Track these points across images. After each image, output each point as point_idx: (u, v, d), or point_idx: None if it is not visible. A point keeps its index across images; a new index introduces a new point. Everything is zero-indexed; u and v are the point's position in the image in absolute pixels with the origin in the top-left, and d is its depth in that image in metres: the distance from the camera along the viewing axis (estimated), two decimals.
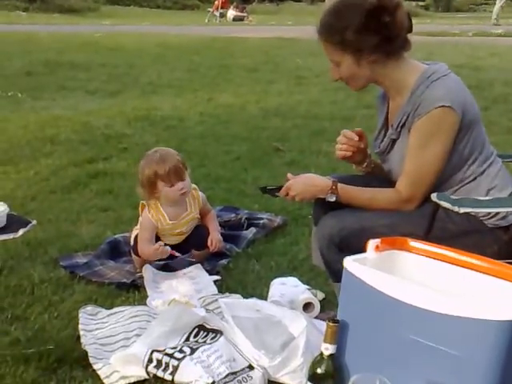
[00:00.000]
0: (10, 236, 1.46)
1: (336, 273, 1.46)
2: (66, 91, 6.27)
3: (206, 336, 1.65)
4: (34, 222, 1.51)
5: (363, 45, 1.62)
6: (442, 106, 1.57)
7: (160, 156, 2.22)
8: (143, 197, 2.31)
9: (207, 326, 1.68)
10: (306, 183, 1.77)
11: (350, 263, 1.40)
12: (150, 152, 2.30)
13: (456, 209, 1.47)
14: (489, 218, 1.63)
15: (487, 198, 1.61)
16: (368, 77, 1.69)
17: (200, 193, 2.40)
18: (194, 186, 2.36)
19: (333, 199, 1.72)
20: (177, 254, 2.27)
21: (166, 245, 2.30)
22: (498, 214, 1.62)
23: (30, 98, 5.81)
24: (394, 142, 1.73)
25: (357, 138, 1.82)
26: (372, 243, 1.45)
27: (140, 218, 2.35)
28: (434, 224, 1.57)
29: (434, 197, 1.52)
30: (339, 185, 1.72)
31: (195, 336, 1.65)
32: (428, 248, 1.46)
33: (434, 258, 1.45)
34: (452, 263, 1.43)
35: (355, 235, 1.52)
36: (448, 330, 1.24)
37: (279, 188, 1.81)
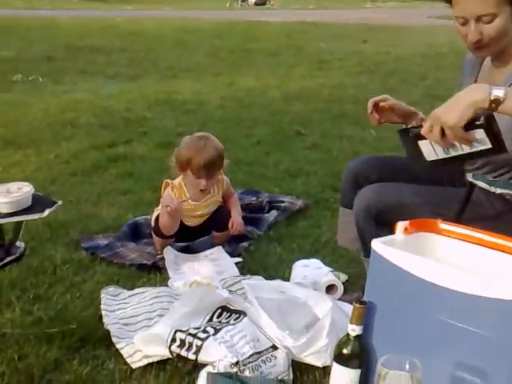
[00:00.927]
0: (36, 216, 1.47)
1: (369, 246, 1.43)
2: (86, 75, 6.31)
3: (229, 317, 1.65)
4: (60, 202, 1.52)
5: None
6: None
7: (203, 146, 2.23)
8: (173, 169, 2.32)
9: (230, 307, 1.68)
10: (448, 105, 1.35)
11: (377, 245, 1.38)
12: (198, 135, 2.30)
13: (492, 189, 1.43)
14: None
15: None
16: (510, 37, 1.49)
17: (224, 176, 2.40)
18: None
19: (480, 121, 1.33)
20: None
21: (186, 226, 2.31)
22: None
23: (50, 83, 5.86)
24: None
25: (371, 105, 1.69)
26: (401, 225, 1.43)
27: (161, 199, 2.35)
28: (467, 205, 1.54)
29: (469, 177, 1.48)
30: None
31: (218, 316, 1.65)
32: (459, 230, 1.43)
33: (465, 241, 1.43)
34: (483, 245, 1.40)
35: (392, 210, 1.49)
36: (478, 311, 1.23)
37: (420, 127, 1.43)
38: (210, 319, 1.67)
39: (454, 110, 1.31)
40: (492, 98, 1.29)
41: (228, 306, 1.70)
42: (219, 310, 1.69)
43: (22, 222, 1.50)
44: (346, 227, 1.86)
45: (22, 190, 1.49)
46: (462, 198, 1.57)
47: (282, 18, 13.30)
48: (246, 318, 1.63)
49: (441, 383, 1.27)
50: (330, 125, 4.31)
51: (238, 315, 1.66)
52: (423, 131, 1.37)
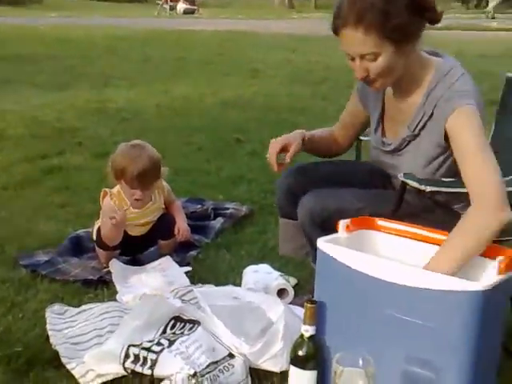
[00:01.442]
0: None
1: None
2: (12, 85, 6.05)
3: (183, 327, 1.62)
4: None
5: (412, 29, 1.45)
6: (470, 105, 1.48)
7: (137, 155, 2.17)
8: (110, 178, 2.26)
9: (183, 317, 1.65)
10: None
11: (322, 244, 1.43)
12: (133, 143, 2.24)
13: (423, 187, 1.51)
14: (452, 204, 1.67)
15: (451, 179, 1.63)
16: (401, 70, 1.51)
17: (164, 183, 2.36)
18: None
19: None
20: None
21: (130, 236, 2.26)
22: (460, 202, 1.63)
23: None
24: (408, 142, 1.66)
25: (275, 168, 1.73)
26: (342, 223, 1.50)
27: (101, 210, 2.29)
28: (401, 203, 1.60)
29: (400, 176, 1.55)
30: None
31: (172, 328, 1.62)
32: (395, 226, 1.52)
33: (401, 236, 1.51)
34: (419, 240, 1.49)
35: (336, 216, 1.53)
36: (422, 304, 1.27)
37: None
38: (164, 331, 1.63)
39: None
40: None
41: (181, 316, 1.67)
42: (172, 321, 1.66)
43: None
44: (287, 237, 1.89)
45: None
46: (393, 196, 1.63)
47: (212, 26, 13.32)
48: (200, 328, 1.61)
49: (394, 378, 1.30)
50: (267, 132, 4.30)
51: (191, 325, 1.63)
52: None
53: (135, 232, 2.30)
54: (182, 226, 2.31)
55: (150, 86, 6.20)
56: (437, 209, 1.67)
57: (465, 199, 1.45)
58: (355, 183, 1.77)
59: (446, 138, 1.54)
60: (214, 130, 4.37)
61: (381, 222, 1.54)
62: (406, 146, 1.69)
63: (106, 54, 8.32)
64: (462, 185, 1.46)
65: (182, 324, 1.64)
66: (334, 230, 1.49)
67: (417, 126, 1.62)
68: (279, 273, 2.08)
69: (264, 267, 2.12)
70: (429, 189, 1.51)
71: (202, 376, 1.43)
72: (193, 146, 3.96)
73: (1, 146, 3.89)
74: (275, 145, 1.73)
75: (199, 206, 2.78)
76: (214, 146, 3.97)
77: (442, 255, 1.36)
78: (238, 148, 3.95)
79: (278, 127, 4.45)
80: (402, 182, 1.55)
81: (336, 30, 1.51)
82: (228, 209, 2.74)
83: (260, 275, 2.05)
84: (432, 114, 1.58)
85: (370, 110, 1.80)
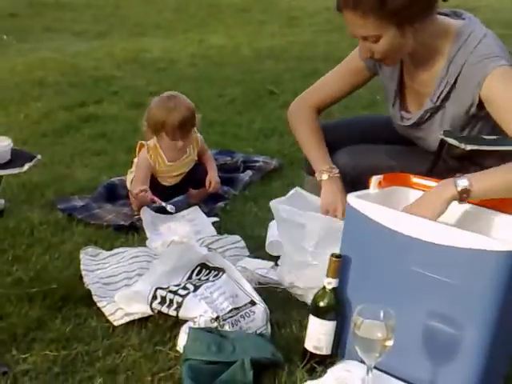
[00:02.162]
0: (16, 171, 1.43)
1: None
2: (51, 33, 6.10)
3: (208, 274, 1.68)
4: (39, 156, 1.48)
5: (414, 11, 1.40)
6: (503, 65, 1.43)
7: (174, 106, 2.20)
8: (145, 133, 2.29)
9: (209, 264, 1.71)
10: (419, 204, 1.38)
11: (352, 199, 1.41)
12: (166, 95, 2.27)
13: (462, 146, 1.45)
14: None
15: (493, 136, 1.59)
16: (409, 48, 1.48)
17: (198, 134, 2.39)
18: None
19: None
20: (157, 200, 2.22)
21: (162, 185, 2.31)
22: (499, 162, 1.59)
23: (15, 41, 5.64)
24: (431, 114, 1.61)
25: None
26: (375, 179, 1.47)
27: (135, 159, 2.34)
28: (438, 161, 1.58)
29: (440, 134, 1.51)
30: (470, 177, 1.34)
31: (198, 274, 1.69)
32: (430, 183, 1.47)
33: None
34: None
35: (367, 173, 1.51)
36: (449, 261, 1.27)
37: None
38: (190, 277, 1.70)
39: (427, 208, 1.33)
40: (460, 190, 1.32)
41: (207, 263, 1.73)
42: (198, 268, 1.72)
43: (1, 177, 1.46)
44: (314, 192, 1.86)
45: (1, 144, 1.45)
46: (430, 154, 1.61)
47: None
48: (224, 275, 1.66)
49: (414, 332, 1.33)
50: (301, 83, 4.22)
51: (216, 272, 1.69)
52: None
53: (168, 182, 2.36)
54: (213, 178, 2.35)
55: (185, 34, 6.16)
56: (473, 168, 1.63)
57: (503, 158, 1.40)
58: (390, 140, 1.73)
59: (478, 105, 1.49)
60: (247, 82, 4.34)
61: (415, 178, 1.50)
62: (428, 118, 1.62)
63: (142, 3, 8.25)
64: (504, 142, 1.42)
65: (208, 271, 1.70)
66: (365, 188, 1.48)
67: (439, 97, 1.56)
68: None
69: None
70: (469, 147, 1.45)
71: (224, 320, 1.50)
72: (225, 97, 3.95)
73: (41, 93, 3.97)
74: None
75: (229, 158, 2.81)
76: (246, 97, 3.95)
77: (483, 175, 1.36)
78: (270, 100, 3.92)
79: (313, 78, 4.35)
80: (441, 140, 1.51)
81: (339, 9, 1.48)
82: (257, 162, 2.77)
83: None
84: (455, 82, 1.52)
85: (383, 80, 1.70)
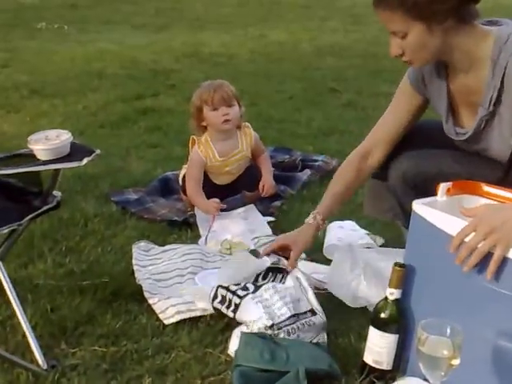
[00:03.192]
0: (75, 164, 1.43)
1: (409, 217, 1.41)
2: (111, 25, 6.26)
3: (274, 276, 1.63)
4: (98, 151, 1.49)
5: (439, 7, 1.41)
6: None
7: (210, 83, 2.25)
8: (193, 128, 2.30)
9: (276, 266, 1.66)
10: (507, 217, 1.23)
11: (419, 206, 1.36)
12: (206, 83, 2.30)
13: None
14: None
15: None
16: (438, 48, 1.47)
17: (253, 131, 2.36)
18: (246, 123, 2.31)
19: None
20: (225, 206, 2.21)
21: (215, 185, 2.29)
22: None
23: (75, 31, 5.82)
24: (486, 121, 1.54)
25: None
26: (443, 186, 1.41)
27: (190, 156, 2.34)
28: (511, 169, 1.49)
29: None
30: None
31: (264, 278, 1.63)
32: (503, 193, 1.39)
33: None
34: None
35: (432, 180, 1.45)
36: None
37: None
38: (256, 279, 1.64)
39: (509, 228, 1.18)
40: None
41: (273, 265, 1.67)
42: (264, 271, 1.66)
43: (59, 170, 1.47)
44: (375, 198, 1.84)
45: (61, 138, 1.46)
46: (505, 163, 1.53)
47: None
48: (289, 277, 1.61)
49: (481, 350, 1.25)
50: (365, 81, 4.21)
51: (282, 275, 1.64)
52: (458, 236, 1.24)
53: (220, 181, 2.34)
54: (267, 182, 2.31)
55: (244, 30, 6.17)
56: None
57: None
58: (455, 145, 1.65)
59: None
60: (307, 79, 4.29)
61: (487, 187, 1.42)
62: (484, 127, 1.55)
63: None
64: None
65: (274, 275, 1.64)
66: (429, 194, 1.41)
67: (490, 101, 1.50)
68: (365, 231, 2.05)
69: (349, 224, 2.10)
70: None
71: (279, 329, 1.44)
72: (284, 94, 3.92)
73: (99, 84, 4.06)
74: (274, 245, 1.73)
75: (287, 156, 2.77)
76: (306, 95, 3.91)
77: None
78: (332, 98, 3.86)
79: (378, 76, 4.31)
80: None
81: (373, 4, 1.49)
82: (317, 161, 2.72)
83: (345, 232, 2.03)
84: (502, 84, 1.45)
85: (432, 101, 1.65)
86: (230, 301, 1.52)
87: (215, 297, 1.54)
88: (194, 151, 2.28)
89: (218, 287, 1.56)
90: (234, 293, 1.53)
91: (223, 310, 1.52)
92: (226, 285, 1.56)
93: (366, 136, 1.78)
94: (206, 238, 2.04)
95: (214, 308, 1.55)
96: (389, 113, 1.75)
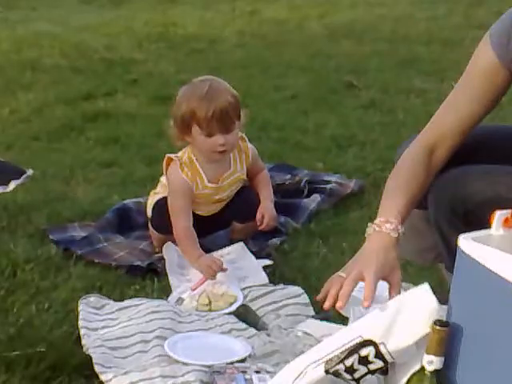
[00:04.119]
0: None
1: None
2: None
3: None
4: (31, 171, 1.50)
5: None
6: None
7: (208, 91, 2.21)
8: (173, 137, 2.32)
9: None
10: None
11: (466, 242, 1.36)
12: (198, 80, 2.30)
13: None
14: None
15: None
16: None
17: (250, 145, 2.40)
18: (241, 134, 2.35)
19: None
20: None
21: (197, 216, 2.32)
22: None
23: (0, 7, 5.87)
24: None
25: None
26: (499, 216, 1.41)
27: (162, 178, 2.36)
28: None
29: None
30: None
31: None
32: None
33: None
34: None
35: (486, 206, 1.47)
36: None
37: None
38: None
39: None
40: None
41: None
42: None
43: None
44: (410, 233, 1.79)
45: None
46: None
47: None
48: None
49: None
50: (393, 74, 4.27)
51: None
52: None
53: (206, 211, 2.36)
54: (268, 210, 2.32)
55: (231, 4, 6.26)
56: None
57: None
58: None
59: None
60: (316, 70, 4.36)
61: None
62: None
63: None
64: None
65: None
66: (482, 226, 1.42)
67: None
68: None
69: None
70: None
71: None
72: (285, 91, 3.98)
73: (33, 80, 4.11)
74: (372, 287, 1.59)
75: (289, 176, 2.80)
76: (314, 92, 3.96)
77: None
78: (348, 96, 3.92)
79: (410, 67, 4.37)
80: None
81: None
82: (329, 182, 2.75)
83: None
84: None
85: None
86: None
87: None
88: (175, 176, 2.28)
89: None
90: None
91: None
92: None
93: (428, 125, 1.73)
94: (180, 298, 2.06)
95: None
96: (460, 94, 1.70)
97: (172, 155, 2.30)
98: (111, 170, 2.96)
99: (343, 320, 1.90)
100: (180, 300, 2.05)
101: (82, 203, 2.64)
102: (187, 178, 2.27)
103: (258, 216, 2.31)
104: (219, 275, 2.13)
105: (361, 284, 2.01)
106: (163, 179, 2.36)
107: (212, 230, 2.40)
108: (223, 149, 2.23)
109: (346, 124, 3.48)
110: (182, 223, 2.23)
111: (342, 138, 3.29)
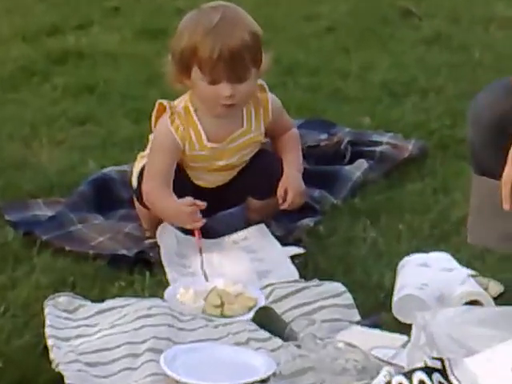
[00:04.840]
0: None
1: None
2: None
3: None
4: None
5: None
6: None
7: (218, 23, 2.21)
8: (170, 76, 2.32)
9: None
10: None
11: None
12: (208, 7, 2.30)
13: None
14: None
15: None
16: None
17: (271, 96, 2.40)
18: (260, 81, 2.35)
19: None
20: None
21: (199, 188, 2.33)
22: None
23: None
24: None
25: None
26: None
27: (151, 135, 2.37)
28: None
29: None
30: None
31: None
32: None
33: None
34: None
35: None
36: None
37: None
38: None
39: None
40: None
41: None
42: None
43: None
44: (488, 213, 1.89)
45: None
46: None
47: None
48: None
49: None
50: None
51: None
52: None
53: (206, 182, 2.37)
54: (293, 183, 2.33)
55: None
56: None
57: None
58: None
59: None
60: None
61: None
62: None
63: None
64: None
65: None
66: None
67: None
68: (468, 270, 2.07)
69: (440, 258, 2.13)
70: None
71: None
72: (319, 22, 3.97)
73: None
74: None
75: (325, 135, 2.80)
76: (358, 22, 3.96)
77: None
78: (405, 28, 3.92)
79: None
80: None
81: None
82: (379, 144, 2.76)
83: (432, 273, 2.06)
84: None
85: None
86: None
87: None
88: (163, 128, 2.30)
89: None
90: None
91: None
92: None
93: None
94: (179, 287, 2.06)
95: None
96: None
97: (165, 101, 2.31)
98: (85, 127, 2.97)
99: (399, 327, 1.92)
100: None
101: (48, 172, 2.65)
102: (176, 133, 2.28)
103: (280, 191, 2.31)
104: (236, 270, 2.15)
105: (423, 281, 2.02)
106: (151, 136, 2.37)
107: (220, 208, 2.41)
108: (230, 102, 2.24)
109: (401, 65, 3.48)
110: (153, 184, 2.25)
111: (396, 84, 3.29)
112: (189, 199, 2.22)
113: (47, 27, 3.86)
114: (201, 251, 2.19)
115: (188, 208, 2.21)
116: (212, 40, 2.18)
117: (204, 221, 2.23)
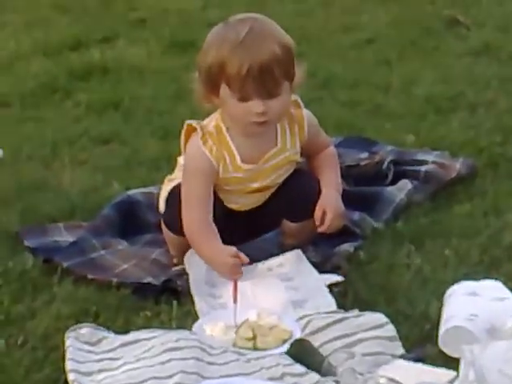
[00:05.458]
0: None
1: None
2: None
3: None
4: (0, 151, 1.52)
5: None
6: None
7: (245, 37, 2.22)
8: (198, 95, 2.33)
9: None
10: None
11: None
12: (235, 20, 2.30)
13: None
14: None
15: None
16: None
17: (306, 111, 2.40)
18: (294, 97, 2.35)
19: None
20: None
21: (230, 211, 2.34)
22: None
23: None
24: None
25: None
26: None
27: (181, 159, 2.37)
28: None
29: None
30: None
31: None
32: None
33: None
34: None
35: None
36: None
37: None
38: None
39: None
40: None
41: None
42: None
43: None
44: None
45: None
46: None
47: None
48: None
49: None
50: None
51: None
52: None
53: (242, 205, 2.38)
54: (331, 205, 2.32)
55: None
56: None
57: None
58: None
59: None
60: (402, 1, 4.36)
61: None
62: None
63: None
64: None
65: None
66: None
67: None
68: None
69: (490, 286, 2.11)
70: None
71: None
72: (357, 32, 3.99)
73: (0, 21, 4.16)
74: None
75: (365, 154, 2.80)
76: (400, 33, 3.96)
77: None
78: (449, 38, 3.92)
79: None
80: None
81: None
82: (424, 163, 2.75)
83: (482, 302, 2.04)
84: None
85: None
86: None
87: None
88: (194, 150, 2.31)
89: None
90: None
91: None
92: None
93: None
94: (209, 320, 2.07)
95: None
96: None
97: (194, 122, 2.31)
98: (109, 146, 2.99)
99: (446, 361, 1.90)
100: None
101: (69, 194, 2.66)
102: (210, 154, 2.28)
103: (317, 212, 2.30)
104: (270, 301, 2.14)
105: (472, 311, 2.01)
106: (180, 159, 2.37)
107: (254, 232, 2.41)
108: (263, 119, 2.24)
109: (447, 78, 3.47)
110: (194, 215, 2.24)
111: (441, 99, 3.29)
112: (233, 250, 2.22)
113: (70, 41, 3.90)
114: (235, 300, 2.16)
115: (231, 259, 2.21)
116: (240, 55, 2.19)
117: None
